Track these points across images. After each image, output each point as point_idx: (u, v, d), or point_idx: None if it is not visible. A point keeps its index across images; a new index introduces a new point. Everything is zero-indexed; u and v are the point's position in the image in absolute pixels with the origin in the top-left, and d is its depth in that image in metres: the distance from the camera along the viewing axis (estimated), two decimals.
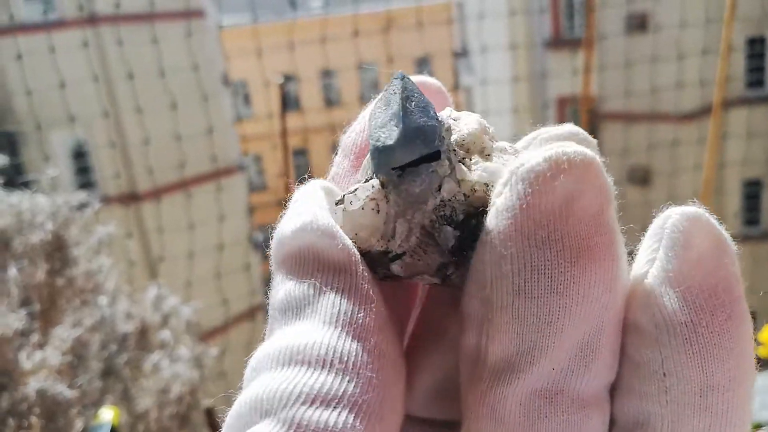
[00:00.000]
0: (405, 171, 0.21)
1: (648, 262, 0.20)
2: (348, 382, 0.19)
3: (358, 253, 0.21)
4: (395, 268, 0.21)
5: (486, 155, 0.21)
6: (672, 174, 6.14)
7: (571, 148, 0.19)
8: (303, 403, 0.18)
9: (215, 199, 4.67)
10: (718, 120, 2.15)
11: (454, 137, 0.21)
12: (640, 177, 7.30)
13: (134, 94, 5.55)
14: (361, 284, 0.20)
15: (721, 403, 0.19)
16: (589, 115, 7.16)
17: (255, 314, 6.85)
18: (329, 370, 0.19)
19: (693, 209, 0.20)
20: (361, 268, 0.21)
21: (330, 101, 14.01)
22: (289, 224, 0.21)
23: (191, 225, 3.96)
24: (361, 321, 0.20)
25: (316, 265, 0.21)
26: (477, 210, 0.21)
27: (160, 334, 2.38)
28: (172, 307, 2.42)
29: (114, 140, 6.91)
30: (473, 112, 0.23)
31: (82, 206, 2.45)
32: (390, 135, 0.21)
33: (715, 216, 0.20)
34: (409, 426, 0.24)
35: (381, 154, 0.21)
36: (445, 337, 0.24)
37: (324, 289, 0.20)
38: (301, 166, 13.79)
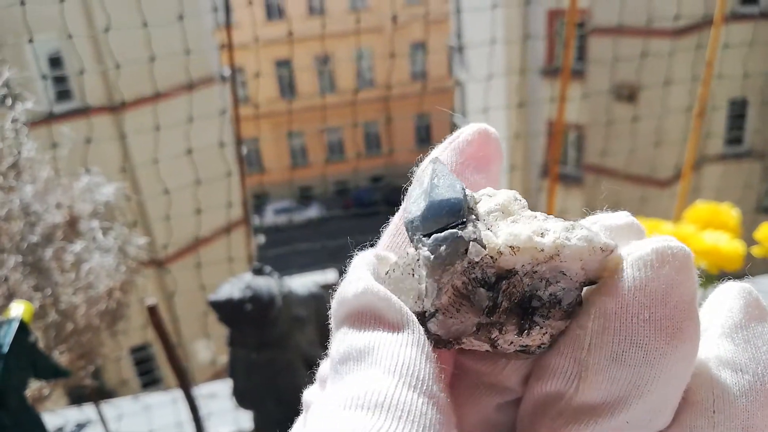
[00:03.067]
0: (432, 237, 0.23)
1: (709, 320, 0.25)
2: (404, 428, 0.20)
3: (411, 313, 0.24)
4: (432, 326, 0.23)
5: (513, 222, 0.23)
6: (661, 90, 5.99)
7: (675, 242, 0.22)
8: None
9: (195, 109, 4.52)
10: (717, 34, 2.02)
11: (484, 208, 0.24)
12: (627, 94, 7.16)
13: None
14: (417, 339, 0.23)
15: None
16: (578, 30, 6.96)
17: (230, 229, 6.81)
18: (386, 415, 0.20)
19: (749, 286, 0.26)
20: (415, 325, 0.23)
21: (313, 10, 13.57)
22: (350, 288, 0.24)
23: (168, 133, 3.83)
24: (418, 372, 0.22)
25: (376, 322, 0.23)
26: (507, 272, 0.23)
27: (88, 224, 2.26)
28: (105, 195, 2.29)
29: (89, 52, 6.67)
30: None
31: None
32: (419, 207, 0.24)
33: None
34: None
35: (411, 224, 0.24)
36: (484, 384, 0.26)
37: (384, 342, 0.23)
38: (284, 76, 13.52)
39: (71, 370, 2.04)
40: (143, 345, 6.49)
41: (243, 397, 2.04)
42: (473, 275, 0.23)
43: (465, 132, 0.29)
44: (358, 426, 0.20)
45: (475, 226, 0.23)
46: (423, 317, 0.24)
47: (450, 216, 0.23)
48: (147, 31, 3.36)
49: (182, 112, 5.19)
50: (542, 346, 0.24)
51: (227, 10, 3.40)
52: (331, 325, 0.25)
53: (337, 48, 13.51)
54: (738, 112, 7.67)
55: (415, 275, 0.24)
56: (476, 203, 0.24)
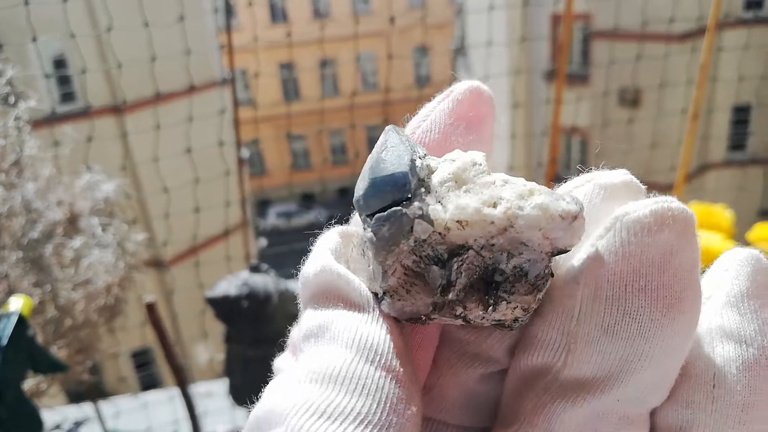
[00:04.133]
0: (374, 217, 0.22)
1: (713, 287, 0.24)
2: (358, 401, 0.20)
3: (368, 290, 0.23)
4: (384, 307, 0.23)
5: (465, 192, 0.22)
6: (660, 95, 5.98)
7: (676, 203, 0.20)
8: (312, 416, 0.19)
9: (198, 110, 4.53)
10: (711, 39, 2.03)
11: (438, 178, 0.22)
12: (631, 97, 7.16)
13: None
14: (376, 316, 0.22)
15: (757, 421, 0.21)
16: (582, 33, 6.96)
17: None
18: (340, 389, 0.20)
19: (758, 252, 0.23)
20: (372, 303, 0.23)
21: (317, 13, 13.60)
22: (310, 268, 0.24)
23: (172, 133, 3.85)
24: (375, 346, 0.21)
25: (336, 301, 0.23)
26: (459, 248, 0.21)
27: (88, 221, 2.27)
28: (105, 192, 2.30)
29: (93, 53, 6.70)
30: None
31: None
32: (362, 185, 0.23)
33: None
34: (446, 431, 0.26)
35: (357, 204, 0.23)
36: (467, 354, 0.25)
37: (342, 318, 0.22)
38: (287, 79, 13.54)
39: (69, 365, 2.06)
40: (143, 349, 6.49)
41: (239, 394, 2.05)
42: (424, 253, 0.21)
43: (456, 90, 0.27)
44: (311, 399, 0.20)
45: (422, 201, 0.22)
46: (376, 297, 0.23)
47: (395, 192, 0.22)
48: (150, 32, 3.38)
49: (184, 114, 5.20)
50: (518, 320, 0.22)
51: (228, 12, 3.41)
52: (299, 306, 0.25)
53: (340, 51, 13.53)
54: (741, 118, 7.65)
55: (365, 256, 0.23)
56: (431, 173, 0.23)
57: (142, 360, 6.92)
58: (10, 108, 2.31)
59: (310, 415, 0.20)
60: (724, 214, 2.41)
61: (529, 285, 0.22)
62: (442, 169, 0.23)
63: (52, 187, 2.44)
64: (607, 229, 0.21)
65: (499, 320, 0.22)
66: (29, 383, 2.26)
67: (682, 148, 2.13)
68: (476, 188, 0.22)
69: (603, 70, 7.31)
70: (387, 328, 0.22)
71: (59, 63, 7.73)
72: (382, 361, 0.21)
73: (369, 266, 0.23)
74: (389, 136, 0.24)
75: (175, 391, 2.65)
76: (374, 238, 0.22)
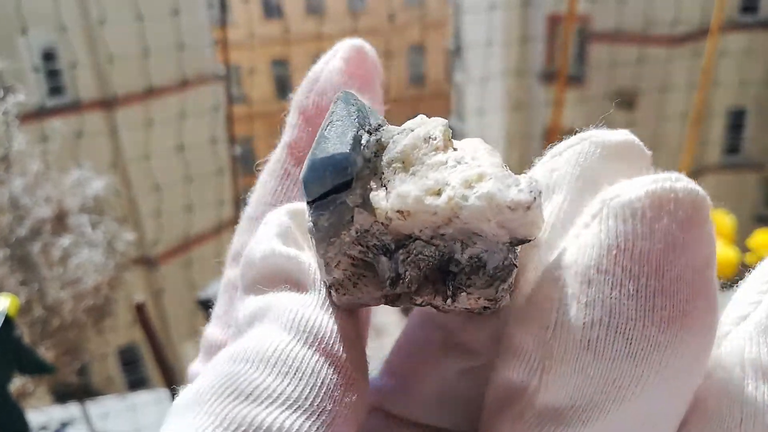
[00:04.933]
0: (314, 205, 0.20)
1: (751, 304, 0.19)
2: (289, 384, 0.18)
3: (318, 275, 0.21)
4: (335, 299, 0.21)
5: (412, 175, 0.19)
6: (656, 98, 6.01)
7: (681, 183, 0.16)
8: (236, 398, 0.18)
9: (190, 106, 4.49)
10: (714, 43, 2.01)
11: (387, 157, 0.20)
12: (626, 100, 7.19)
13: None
14: (321, 300, 0.20)
15: None
16: (578, 35, 6.99)
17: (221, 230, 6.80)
18: (271, 371, 0.18)
19: None
20: (320, 286, 0.20)
21: (311, 9, 13.58)
22: (257, 249, 0.22)
23: (163, 130, 3.81)
24: (317, 330, 0.19)
25: (282, 283, 0.21)
26: (406, 238, 0.19)
27: (77, 219, 2.22)
28: (95, 190, 2.26)
29: (83, 47, 6.64)
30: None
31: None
32: (304, 168, 0.20)
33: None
34: (412, 430, 0.23)
35: (302, 188, 0.21)
36: (438, 349, 0.22)
37: (286, 300, 0.20)
38: (280, 76, 13.50)
39: (56, 366, 2.01)
40: (131, 345, 6.44)
41: None
42: (370, 243, 0.19)
43: (342, 48, 0.26)
44: (237, 379, 0.18)
45: (365, 187, 0.19)
46: (326, 287, 0.21)
47: (334, 176, 0.19)
48: (142, 26, 3.34)
49: (176, 110, 5.16)
50: (487, 308, 0.20)
51: (223, 7, 3.37)
52: (238, 289, 0.22)
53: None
54: (736, 122, 7.68)
55: (312, 247, 0.21)
56: (381, 149, 0.20)
57: (129, 357, 6.86)
58: None
59: (234, 397, 0.18)
60: (725, 220, 2.39)
61: (488, 276, 0.19)
62: (394, 144, 0.20)
63: (40, 184, 2.39)
64: (593, 216, 0.17)
65: (467, 308, 0.20)
66: (15, 384, 2.22)
67: (680, 152, 2.12)
68: (422, 170, 0.19)
69: (598, 71, 7.32)
70: (332, 311, 0.20)
71: (48, 56, 7.65)
72: (322, 346, 0.19)
73: (315, 257, 0.21)
74: (336, 107, 0.21)
75: (163, 393, 2.61)
76: (313, 229, 0.20)
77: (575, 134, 0.21)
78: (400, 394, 0.23)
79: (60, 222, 2.30)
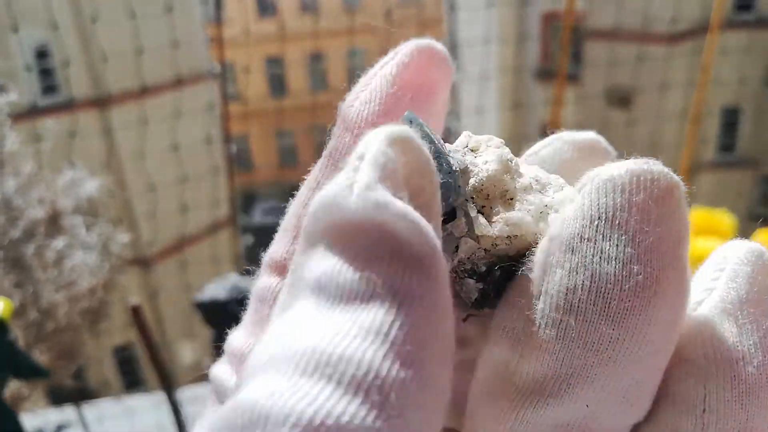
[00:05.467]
0: None
1: (705, 290, 0.19)
2: (379, 418, 0.14)
3: (444, 258, 0.17)
4: None
5: (509, 200, 0.20)
6: (651, 96, 6.02)
7: (658, 166, 0.17)
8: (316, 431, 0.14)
9: (184, 105, 4.46)
10: (713, 41, 2.00)
11: (472, 181, 0.20)
12: (621, 98, 7.20)
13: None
14: (440, 296, 0.15)
15: None
16: (574, 33, 6.99)
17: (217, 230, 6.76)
18: (362, 399, 0.14)
19: (760, 246, 0.20)
20: (444, 276, 0.16)
21: (306, 7, 13.56)
22: (361, 195, 0.15)
23: (156, 128, 3.78)
24: (423, 345, 0.15)
25: (388, 255, 0.15)
26: (501, 260, 0.19)
27: (71, 220, 2.19)
28: (87, 191, 2.23)
29: (76, 45, 6.60)
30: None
31: None
32: None
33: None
34: None
35: None
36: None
37: (391, 288, 0.15)
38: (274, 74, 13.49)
39: (51, 370, 1.98)
40: (126, 345, 6.41)
41: None
42: (462, 268, 0.20)
43: (401, 51, 0.23)
44: (311, 403, 0.13)
45: (466, 215, 0.19)
46: None
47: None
48: (135, 23, 3.30)
49: (169, 108, 5.12)
50: None
51: (218, 4, 3.34)
52: (301, 240, 0.17)
53: (329, 46, 13.50)
54: (731, 120, 7.71)
55: None
56: (466, 173, 0.20)
57: (125, 358, 6.83)
58: None
59: (315, 430, 0.13)
60: (725, 219, 2.39)
61: None
62: (474, 168, 0.20)
63: (33, 184, 2.36)
64: (577, 190, 0.18)
65: None
66: (10, 388, 2.19)
67: (677, 150, 2.12)
68: (520, 195, 0.20)
69: (595, 69, 7.32)
70: (448, 317, 0.16)
71: (41, 54, 7.61)
72: (428, 369, 0.15)
73: None
74: (424, 129, 0.20)
75: (160, 396, 2.59)
76: None
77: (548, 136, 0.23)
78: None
79: (54, 223, 2.26)
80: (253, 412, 0.14)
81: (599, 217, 0.17)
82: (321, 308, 0.15)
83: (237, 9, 10.72)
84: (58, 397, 2.88)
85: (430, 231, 0.16)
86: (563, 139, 0.23)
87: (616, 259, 0.17)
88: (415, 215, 0.16)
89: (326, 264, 0.16)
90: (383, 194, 0.15)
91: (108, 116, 7.12)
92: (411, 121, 0.20)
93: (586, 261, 0.17)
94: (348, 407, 0.14)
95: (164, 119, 4.08)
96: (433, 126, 0.22)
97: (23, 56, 6.96)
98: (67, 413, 2.82)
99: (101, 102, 7.16)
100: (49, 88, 7.38)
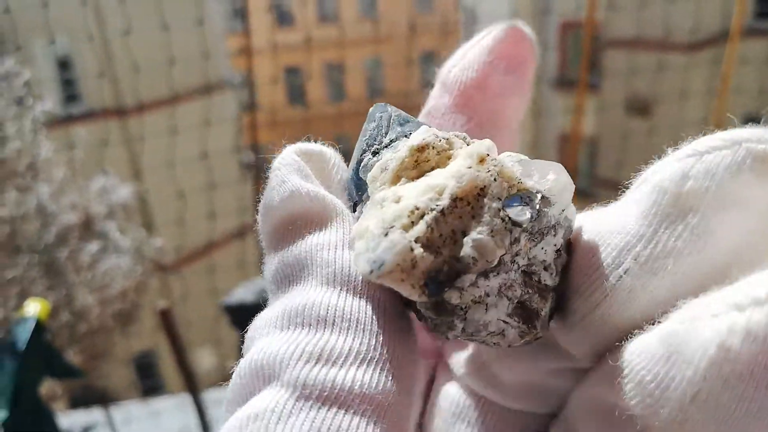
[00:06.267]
0: None
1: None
2: (353, 338, 0.18)
3: (348, 211, 0.21)
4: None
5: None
6: (677, 104, 5.97)
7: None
8: (307, 363, 0.18)
9: (204, 115, 4.50)
10: (733, 49, 2.01)
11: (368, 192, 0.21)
12: (641, 107, 7.15)
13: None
14: (338, 233, 0.20)
15: None
16: (593, 42, 6.98)
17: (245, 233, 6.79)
18: (332, 329, 0.18)
19: None
20: (347, 220, 0.21)
21: (324, 18, 13.61)
22: (274, 194, 0.21)
23: (178, 138, 3.83)
24: (356, 277, 0.19)
25: (308, 229, 0.20)
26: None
27: (103, 225, 2.24)
28: (120, 197, 2.28)
29: (101, 56, 6.69)
30: None
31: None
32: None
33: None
34: (505, 413, 0.24)
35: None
36: (533, 348, 0.22)
37: (318, 250, 0.20)
38: (294, 84, 13.56)
39: (85, 371, 2.03)
40: (146, 352, 6.46)
41: None
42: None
43: (496, 29, 0.26)
44: (303, 345, 0.18)
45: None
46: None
47: (349, 197, 0.23)
48: (159, 35, 3.36)
49: (191, 118, 5.19)
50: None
51: (243, 15, 3.39)
52: (261, 245, 0.22)
53: (348, 56, 13.55)
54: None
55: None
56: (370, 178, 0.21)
57: (144, 363, 6.87)
58: (25, 110, 2.30)
59: (305, 362, 0.18)
60: None
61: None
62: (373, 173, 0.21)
63: (66, 191, 2.42)
64: (761, 302, 0.15)
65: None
66: (43, 388, 2.24)
67: None
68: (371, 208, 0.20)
69: (614, 78, 7.29)
70: None
71: (64, 65, 7.72)
72: (372, 293, 0.19)
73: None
74: (366, 121, 0.22)
75: (185, 398, 2.62)
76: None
77: (725, 130, 0.19)
78: (489, 381, 0.24)
79: (87, 228, 2.32)
80: (250, 368, 0.19)
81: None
82: (280, 291, 0.20)
83: (256, 19, 10.82)
84: (79, 400, 2.91)
85: (331, 198, 0.21)
86: (747, 146, 0.18)
87: None
88: (317, 192, 0.21)
89: (274, 259, 0.21)
90: (294, 182, 0.21)
91: (128, 126, 7.21)
92: (372, 111, 0.22)
93: (757, 394, 0.15)
94: (323, 338, 0.18)
95: (186, 129, 4.14)
96: (521, 94, 0.26)
97: (50, 67, 7.08)
98: (93, 415, 2.85)
99: (121, 112, 7.25)
100: (71, 98, 7.48)
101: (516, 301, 0.19)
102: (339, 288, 0.19)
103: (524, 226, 0.18)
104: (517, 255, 0.19)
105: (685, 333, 0.16)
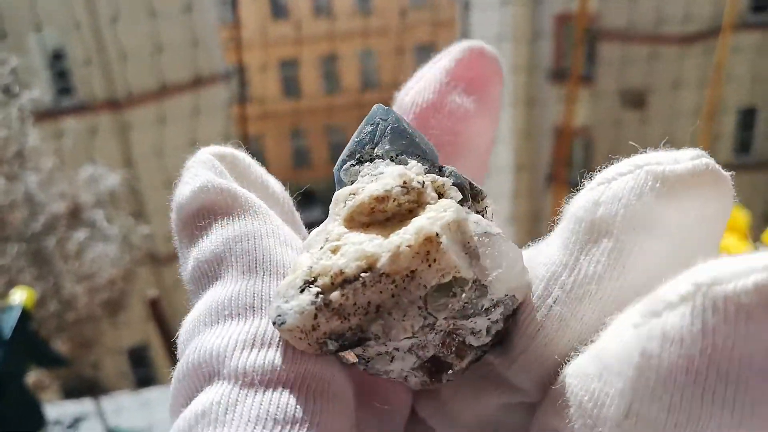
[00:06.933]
0: None
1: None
2: (252, 322, 0.18)
3: (263, 204, 0.21)
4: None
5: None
6: (670, 95, 6.00)
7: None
8: (243, 350, 0.18)
9: (196, 106, 4.50)
10: (726, 39, 2.00)
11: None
12: (634, 98, 7.16)
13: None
14: (274, 226, 0.20)
15: None
16: (587, 34, 6.99)
17: None
18: (261, 313, 0.18)
19: None
20: (268, 213, 0.21)
21: (319, 10, 13.59)
22: (185, 189, 0.21)
23: (169, 127, 3.82)
24: (281, 259, 0.19)
25: (221, 223, 0.20)
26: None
27: (91, 214, 2.23)
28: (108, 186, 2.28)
29: (92, 47, 6.66)
30: None
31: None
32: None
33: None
34: None
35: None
36: (482, 380, 0.22)
37: (236, 242, 0.20)
38: (288, 76, 13.53)
39: (71, 360, 2.02)
40: (139, 346, 6.46)
41: None
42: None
43: (455, 49, 0.25)
44: (236, 334, 0.18)
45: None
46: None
47: None
48: (150, 25, 3.35)
49: (185, 109, 5.17)
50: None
51: (234, 6, 3.37)
52: (175, 245, 0.22)
53: (342, 48, 13.54)
54: (747, 121, 7.64)
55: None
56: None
57: (136, 353, 6.87)
58: (12, 98, 2.28)
59: (241, 350, 0.18)
60: (739, 216, 2.38)
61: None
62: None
63: (54, 180, 2.41)
64: (681, 297, 0.14)
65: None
66: (31, 377, 2.23)
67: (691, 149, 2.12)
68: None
69: (608, 70, 7.30)
70: (283, 241, 0.21)
71: (57, 57, 7.68)
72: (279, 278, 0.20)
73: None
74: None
75: None
76: None
77: (629, 158, 0.19)
78: (448, 419, 0.23)
79: (75, 217, 2.31)
80: (188, 369, 0.19)
81: (714, 347, 0.14)
82: (201, 288, 0.21)
83: (250, 11, 10.79)
84: (72, 390, 2.91)
85: (243, 191, 0.21)
86: (648, 169, 0.18)
87: (734, 400, 0.14)
88: (228, 185, 0.21)
89: (190, 256, 0.21)
90: (206, 177, 0.21)
91: (121, 117, 7.18)
92: (370, 114, 0.21)
93: (692, 399, 0.14)
94: (253, 324, 0.18)
95: (178, 120, 4.13)
96: (485, 114, 0.25)
97: (41, 57, 7.05)
98: (84, 405, 2.85)
99: (114, 103, 7.23)
100: (64, 90, 7.45)
101: (426, 358, 0.19)
102: (262, 274, 0.19)
103: (441, 318, 0.18)
104: (432, 331, 0.18)
105: (612, 346, 0.16)
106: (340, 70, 14.15)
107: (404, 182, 0.19)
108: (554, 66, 8.52)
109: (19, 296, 1.82)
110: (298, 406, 0.17)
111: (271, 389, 0.17)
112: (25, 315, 1.77)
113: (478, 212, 0.20)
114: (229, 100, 8.46)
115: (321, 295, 0.18)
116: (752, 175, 7.24)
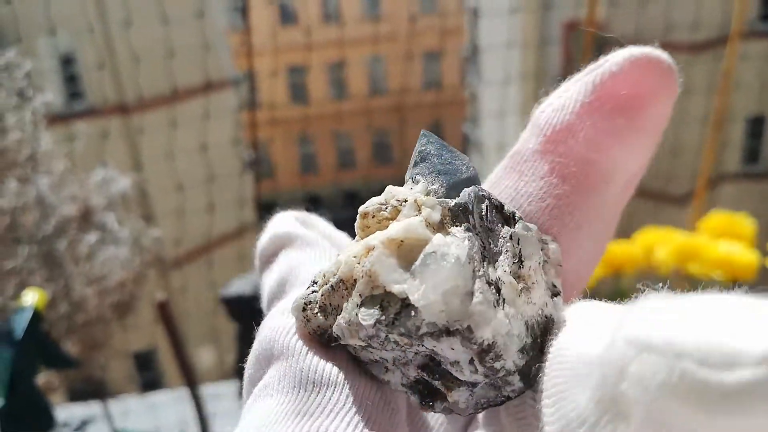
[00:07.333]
0: None
1: None
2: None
3: (318, 236, 0.26)
4: None
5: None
6: (678, 102, 5.96)
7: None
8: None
9: (206, 112, 4.52)
10: (734, 46, 2.00)
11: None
12: None
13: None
14: (329, 252, 0.25)
15: None
16: (595, 40, 6.97)
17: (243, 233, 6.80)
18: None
19: None
20: (325, 242, 0.26)
21: (327, 16, 13.62)
22: (264, 236, 0.25)
23: (179, 131, 3.84)
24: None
25: (293, 249, 0.24)
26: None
27: (102, 217, 2.26)
28: (119, 189, 2.30)
29: (102, 51, 6.70)
30: None
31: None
32: None
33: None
34: None
35: None
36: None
37: (301, 260, 0.24)
38: (296, 82, 13.56)
39: (81, 361, 2.04)
40: (147, 348, 6.46)
41: None
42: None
43: (612, 59, 0.20)
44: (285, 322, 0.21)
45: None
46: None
47: None
48: (161, 30, 3.37)
49: (194, 114, 5.20)
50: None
51: (245, 12, 3.39)
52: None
53: (351, 55, 13.57)
54: (756, 130, 7.60)
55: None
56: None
57: (143, 357, 6.87)
58: (26, 102, 2.31)
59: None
60: (746, 223, 2.38)
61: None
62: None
63: (66, 183, 2.44)
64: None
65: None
66: (41, 379, 2.24)
67: (699, 156, 2.11)
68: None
69: None
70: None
71: (68, 60, 7.72)
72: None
73: None
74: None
75: (183, 392, 2.62)
76: None
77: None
78: None
79: (85, 220, 2.33)
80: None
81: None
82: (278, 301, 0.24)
83: (260, 17, 10.85)
84: (79, 393, 2.92)
85: (314, 236, 0.25)
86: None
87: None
88: (297, 227, 0.25)
89: (266, 285, 0.25)
90: (279, 227, 0.26)
91: (130, 122, 7.22)
92: (423, 142, 0.22)
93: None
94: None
95: (187, 126, 4.14)
96: (637, 146, 0.21)
97: (52, 61, 7.09)
98: (91, 408, 2.85)
99: (124, 108, 7.27)
100: (75, 94, 7.49)
101: (412, 378, 0.20)
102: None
103: (369, 330, 0.18)
104: (397, 345, 0.18)
105: None
106: (348, 77, 14.18)
107: (385, 200, 0.20)
108: (563, 73, 8.52)
109: (31, 297, 1.83)
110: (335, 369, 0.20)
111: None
112: (37, 316, 1.79)
113: (493, 233, 0.19)
114: (238, 105, 8.49)
115: (314, 293, 0.21)
116: (760, 184, 7.20)
